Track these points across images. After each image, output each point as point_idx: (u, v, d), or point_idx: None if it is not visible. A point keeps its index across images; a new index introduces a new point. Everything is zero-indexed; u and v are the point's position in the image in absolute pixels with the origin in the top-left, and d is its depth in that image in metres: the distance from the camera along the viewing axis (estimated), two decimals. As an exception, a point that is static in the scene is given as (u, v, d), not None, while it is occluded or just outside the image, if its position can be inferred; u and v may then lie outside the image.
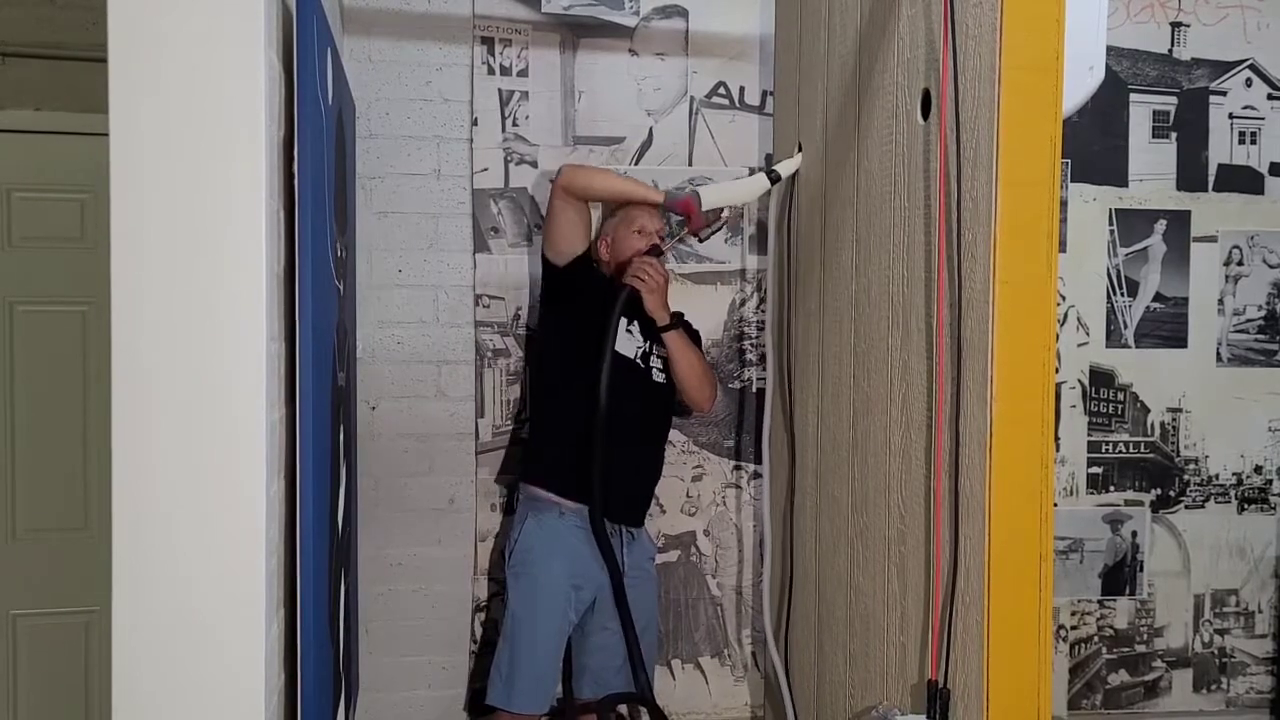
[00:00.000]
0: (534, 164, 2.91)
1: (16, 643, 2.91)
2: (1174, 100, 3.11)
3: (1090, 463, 3.11)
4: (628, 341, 2.64)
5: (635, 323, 2.67)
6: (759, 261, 3.01)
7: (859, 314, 2.06)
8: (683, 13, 2.97)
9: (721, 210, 2.70)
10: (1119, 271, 3.10)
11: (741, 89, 3.01)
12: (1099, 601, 3.12)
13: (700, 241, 2.96)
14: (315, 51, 1.63)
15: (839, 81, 2.23)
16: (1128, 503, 3.13)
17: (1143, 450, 3.13)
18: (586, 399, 2.51)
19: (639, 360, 2.68)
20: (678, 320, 2.70)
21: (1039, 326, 1.47)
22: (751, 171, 2.92)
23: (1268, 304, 3.17)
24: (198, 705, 1.31)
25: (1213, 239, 3.14)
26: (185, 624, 1.31)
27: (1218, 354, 3.15)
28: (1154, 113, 3.10)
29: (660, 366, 2.71)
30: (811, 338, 2.44)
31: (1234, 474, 3.17)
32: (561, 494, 2.60)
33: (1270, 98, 3.15)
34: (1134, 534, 3.12)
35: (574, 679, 2.71)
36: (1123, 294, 3.10)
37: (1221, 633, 3.19)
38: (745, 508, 3.06)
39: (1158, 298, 3.12)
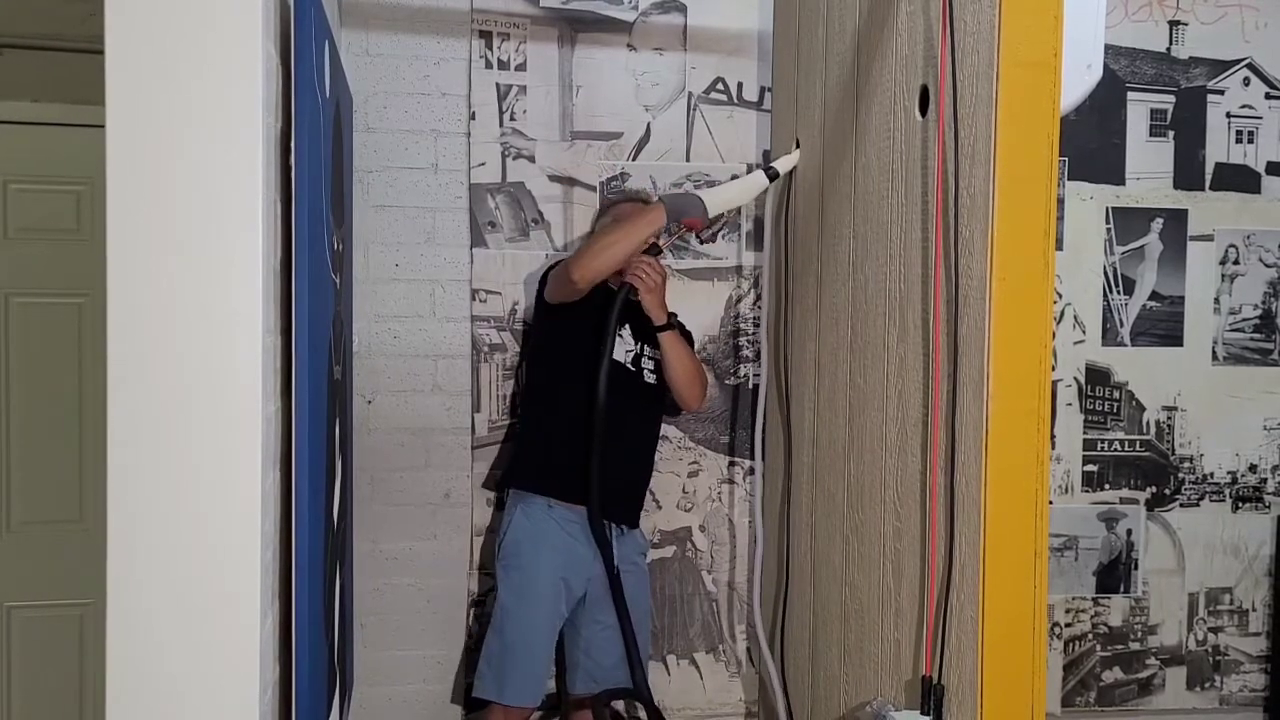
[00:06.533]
0: (531, 159, 2.91)
1: (11, 635, 2.91)
2: (1172, 99, 3.11)
3: (1086, 460, 3.11)
4: (618, 345, 2.62)
5: (625, 325, 2.65)
6: (756, 258, 3.01)
7: (856, 310, 2.06)
8: (681, 8, 2.97)
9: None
10: (1115, 269, 3.10)
11: (739, 85, 3.01)
12: (1093, 599, 3.12)
13: (701, 243, 2.96)
14: (313, 44, 1.62)
15: (837, 78, 2.23)
16: (1123, 500, 3.13)
17: (1138, 448, 3.13)
18: (580, 403, 2.51)
19: (630, 364, 2.67)
20: (674, 320, 2.70)
21: (1035, 323, 1.47)
22: (749, 169, 2.92)
23: (1263, 303, 3.17)
24: (192, 697, 1.31)
25: (1209, 238, 3.14)
26: (180, 616, 1.31)
27: (1213, 353, 3.16)
28: (1151, 111, 3.11)
29: (651, 368, 2.70)
30: (808, 334, 2.44)
31: (1229, 472, 3.18)
32: (555, 496, 2.61)
33: (1268, 97, 3.15)
34: (1129, 532, 3.13)
35: (567, 674, 2.72)
36: (1119, 292, 3.10)
37: (1215, 631, 3.20)
38: (741, 503, 3.06)
39: (1154, 296, 3.12)
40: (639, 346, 2.69)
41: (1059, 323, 3.07)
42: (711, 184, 2.82)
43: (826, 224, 2.30)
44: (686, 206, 2.53)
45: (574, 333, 2.60)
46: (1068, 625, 3.12)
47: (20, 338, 2.88)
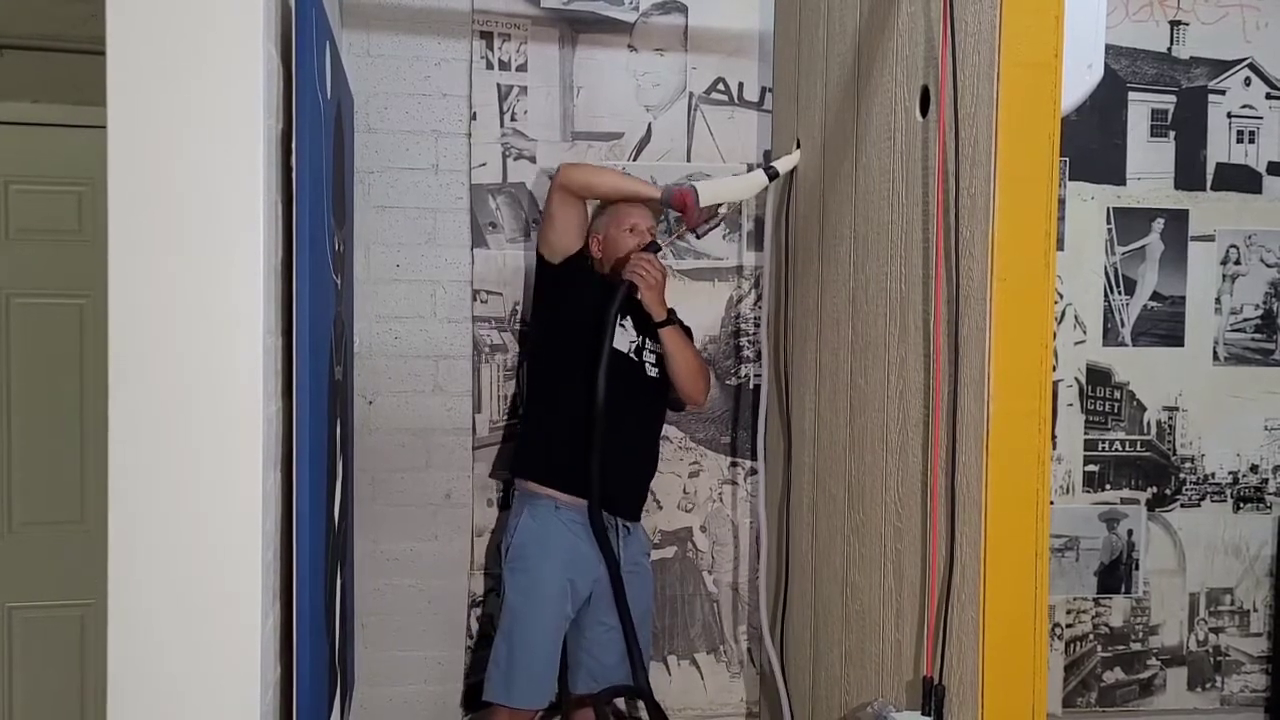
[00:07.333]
0: (532, 159, 2.91)
1: (12, 635, 2.91)
2: (1172, 99, 3.11)
3: (1087, 461, 3.11)
4: (620, 336, 2.64)
5: (628, 317, 2.67)
6: (757, 258, 3.01)
7: (856, 311, 2.06)
8: (682, 9, 2.97)
9: (718, 206, 2.70)
10: (1116, 270, 3.10)
11: (740, 85, 3.01)
12: (1094, 599, 3.12)
13: (697, 238, 2.95)
14: (314, 45, 1.62)
15: (838, 78, 2.23)
16: (1124, 501, 3.13)
17: (1139, 449, 3.13)
18: (582, 394, 2.52)
19: (632, 354, 2.68)
20: (673, 317, 2.70)
21: (1036, 324, 1.47)
22: (750, 169, 2.92)
23: (1264, 303, 3.17)
24: (193, 698, 1.31)
25: (1210, 238, 3.14)
26: (181, 617, 1.31)
27: (1214, 353, 3.16)
28: (1152, 111, 3.11)
29: (653, 361, 2.71)
30: (809, 334, 2.44)
31: (1230, 473, 3.18)
32: (558, 488, 2.60)
33: (1269, 97, 3.15)
34: (1130, 532, 3.13)
35: (569, 674, 2.72)
36: (1120, 292, 3.10)
37: (1216, 631, 3.20)
38: (742, 504, 3.06)
39: (1155, 296, 3.12)
40: (641, 339, 2.70)
41: (1060, 323, 3.07)
42: (712, 184, 2.82)
43: (827, 224, 2.30)
44: (680, 187, 2.61)
45: (574, 325, 2.61)
46: (1069, 626, 3.12)
47: (21, 338, 2.88)
